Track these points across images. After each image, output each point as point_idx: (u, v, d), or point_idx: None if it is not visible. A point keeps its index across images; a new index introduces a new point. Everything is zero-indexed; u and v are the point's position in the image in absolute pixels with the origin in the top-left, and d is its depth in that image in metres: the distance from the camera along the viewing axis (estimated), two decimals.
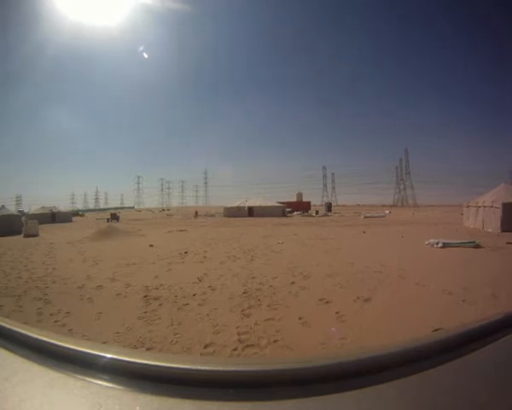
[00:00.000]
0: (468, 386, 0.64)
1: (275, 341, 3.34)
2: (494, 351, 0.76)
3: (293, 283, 5.72)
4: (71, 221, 32.90)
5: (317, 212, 40.51)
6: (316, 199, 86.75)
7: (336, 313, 4.13)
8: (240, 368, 0.70)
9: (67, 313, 4.32)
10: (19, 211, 39.54)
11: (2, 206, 22.29)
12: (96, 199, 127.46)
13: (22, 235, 16.35)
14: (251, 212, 34.02)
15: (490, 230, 14.36)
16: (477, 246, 9.56)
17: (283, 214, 34.65)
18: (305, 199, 53.63)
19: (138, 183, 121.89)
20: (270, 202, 37.48)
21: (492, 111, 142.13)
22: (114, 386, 0.62)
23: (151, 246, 11.05)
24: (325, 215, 36.85)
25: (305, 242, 11.84)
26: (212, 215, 39.86)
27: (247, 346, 3.25)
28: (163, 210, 65.76)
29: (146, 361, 0.68)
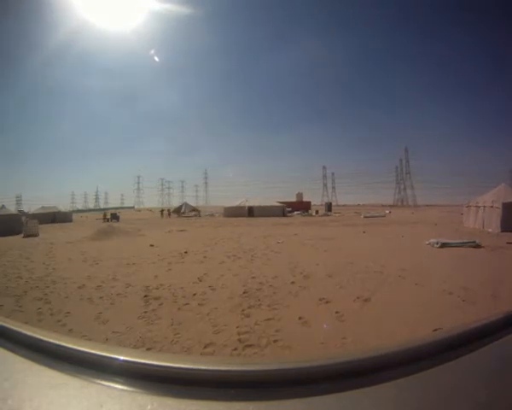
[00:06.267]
0: (468, 386, 0.64)
1: (275, 341, 3.34)
2: (494, 351, 0.76)
3: (293, 282, 5.71)
4: (71, 221, 32.89)
5: (316, 212, 40.53)
6: (316, 199, 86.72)
7: (336, 312, 4.13)
8: (240, 368, 0.71)
9: (68, 312, 4.32)
10: (19, 211, 39.56)
11: (2, 206, 22.28)
12: (96, 199, 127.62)
13: (22, 235, 16.34)
14: (251, 212, 33.99)
15: (490, 230, 14.35)
16: (477, 246, 9.56)
17: (283, 214, 34.62)
18: (305, 199, 53.60)
19: (138, 183, 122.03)
20: (270, 201, 37.44)
21: (492, 111, 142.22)
22: (115, 386, 0.62)
23: (151, 246, 11.05)
24: (325, 215, 36.87)
25: (305, 241, 11.84)
26: (211, 215, 39.89)
27: (247, 346, 3.24)
28: (163, 210, 65.71)
29: (146, 361, 0.68)
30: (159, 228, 20.08)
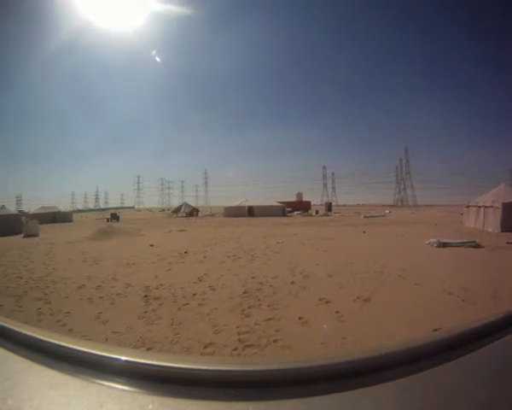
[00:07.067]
0: (468, 386, 0.64)
1: (275, 341, 3.34)
2: (494, 351, 0.76)
3: (293, 282, 5.71)
4: (71, 221, 32.90)
5: (316, 211, 40.53)
6: (316, 199, 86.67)
7: (336, 312, 4.13)
8: (240, 368, 0.71)
9: (68, 312, 4.32)
10: (19, 211, 39.51)
11: (2, 206, 22.26)
12: (96, 199, 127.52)
13: (22, 235, 16.34)
14: (251, 212, 34.00)
15: (490, 229, 14.35)
16: (477, 246, 9.56)
17: (283, 214, 34.63)
18: (305, 199, 53.63)
19: (138, 183, 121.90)
20: (270, 201, 37.44)
21: (492, 111, 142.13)
22: (115, 386, 0.62)
23: (151, 246, 11.06)
24: (325, 215, 36.86)
25: (305, 241, 11.84)
26: (212, 215, 39.92)
27: (247, 346, 3.24)
28: (163, 210, 65.74)
29: (146, 361, 0.68)
30: (159, 228, 20.08)
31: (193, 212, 41.21)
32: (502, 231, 13.45)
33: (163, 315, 4.18)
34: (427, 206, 77.14)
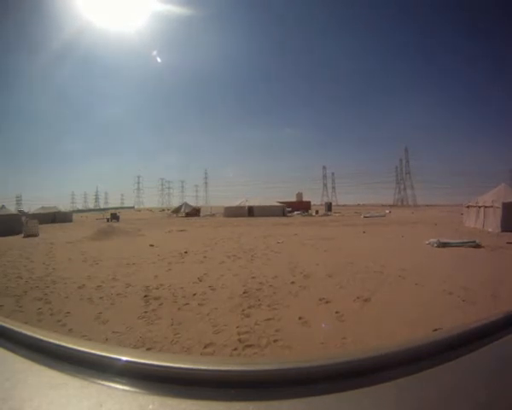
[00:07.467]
0: (468, 386, 0.64)
1: (275, 341, 3.34)
2: (494, 351, 0.76)
3: (293, 282, 5.71)
4: (71, 221, 32.89)
5: (316, 211, 40.53)
6: (316, 199, 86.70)
7: (336, 312, 4.13)
8: (240, 368, 0.71)
9: (68, 312, 4.32)
10: (19, 211, 39.48)
11: (2, 206, 22.24)
12: (96, 199, 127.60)
13: (22, 235, 16.34)
14: (251, 212, 33.99)
15: (490, 229, 14.35)
16: (477, 246, 9.56)
17: (283, 214, 34.62)
18: (305, 199, 53.61)
19: (138, 183, 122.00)
20: (270, 201, 37.43)
21: (492, 111, 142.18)
22: (115, 386, 0.62)
23: (151, 246, 11.05)
24: (325, 215, 36.86)
25: (305, 241, 11.84)
26: (212, 215, 39.93)
27: (247, 346, 3.24)
28: (163, 210, 65.74)
29: (146, 361, 0.68)
30: (159, 228, 20.07)
31: (193, 211, 40.88)
32: (502, 231, 13.45)
33: (163, 315, 4.18)
34: (427, 206, 77.18)
